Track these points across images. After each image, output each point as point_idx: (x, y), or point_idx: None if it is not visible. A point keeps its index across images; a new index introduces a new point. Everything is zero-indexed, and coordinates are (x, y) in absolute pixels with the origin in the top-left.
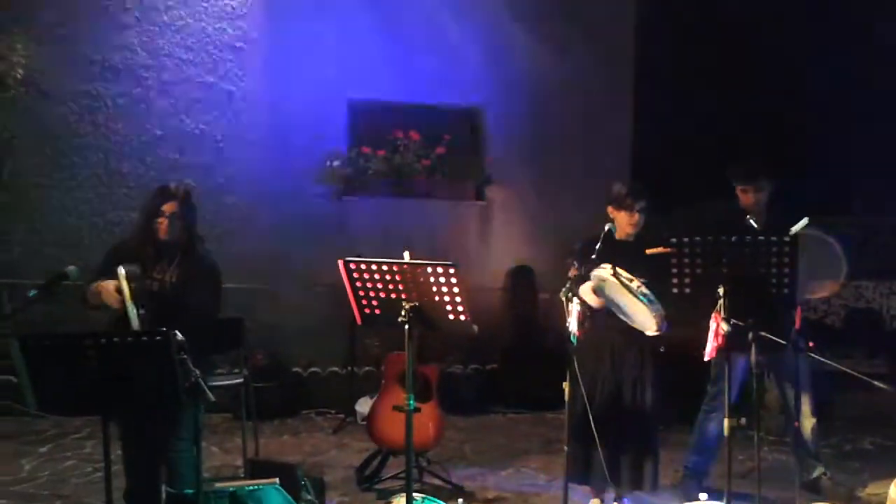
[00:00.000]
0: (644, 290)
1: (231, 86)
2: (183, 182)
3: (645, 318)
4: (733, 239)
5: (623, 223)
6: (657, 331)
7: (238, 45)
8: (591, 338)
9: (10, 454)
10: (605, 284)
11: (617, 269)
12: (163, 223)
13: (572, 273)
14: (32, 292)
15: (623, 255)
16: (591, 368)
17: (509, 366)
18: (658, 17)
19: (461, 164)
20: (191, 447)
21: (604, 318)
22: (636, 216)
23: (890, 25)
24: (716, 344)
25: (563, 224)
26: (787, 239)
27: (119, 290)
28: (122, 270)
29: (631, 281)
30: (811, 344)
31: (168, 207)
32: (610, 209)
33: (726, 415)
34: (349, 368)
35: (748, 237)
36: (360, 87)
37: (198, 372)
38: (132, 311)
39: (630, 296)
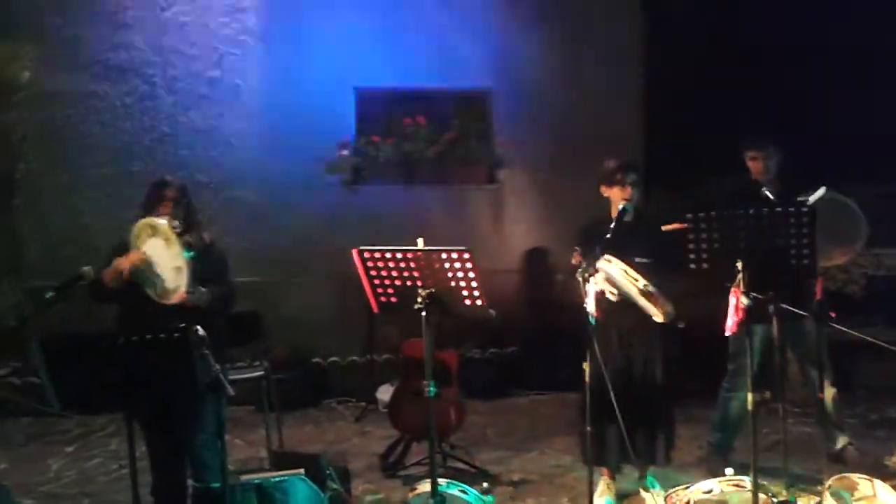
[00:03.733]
0: (649, 287)
1: (237, 79)
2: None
3: (651, 310)
4: (750, 211)
5: (616, 199)
6: (665, 321)
7: (242, 38)
8: (600, 320)
9: (37, 454)
10: (613, 279)
11: (623, 264)
12: (167, 207)
13: (575, 260)
14: (49, 294)
15: (626, 234)
16: (602, 350)
17: (528, 348)
18: None
19: (471, 149)
20: (215, 441)
21: (611, 301)
22: (628, 189)
23: None
24: (736, 318)
25: (575, 204)
26: (804, 209)
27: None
28: (162, 221)
29: (636, 280)
30: (832, 314)
31: (170, 193)
32: (602, 187)
33: (749, 389)
34: (368, 357)
35: (765, 209)
36: (366, 74)
37: (218, 367)
38: (183, 255)
39: (636, 291)
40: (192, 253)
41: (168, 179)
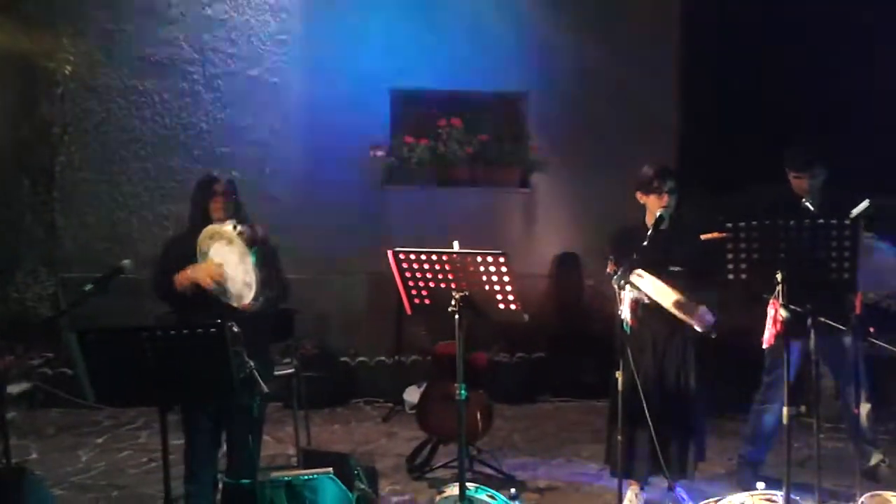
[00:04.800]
0: (682, 301)
1: (275, 78)
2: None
3: (688, 320)
4: (791, 223)
5: (653, 207)
6: (702, 329)
7: (281, 37)
8: (634, 328)
9: (67, 445)
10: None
11: (654, 278)
12: (218, 202)
13: (610, 269)
14: (89, 287)
15: (662, 242)
16: (635, 358)
17: (556, 353)
18: None
19: (505, 151)
20: (247, 437)
21: (646, 309)
22: (665, 197)
23: None
24: (774, 331)
25: (607, 210)
26: (847, 222)
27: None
28: (230, 229)
29: (669, 295)
30: (871, 329)
31: (219, 188)
32: (638, 194)
33: (785, 403)
34: (396, 357)
35: (807, 220)
36: (402, 75)
37: (252, 364)
38: (254, 268)
39: (670, 305)
40: (256, 258)
41: (216, 175)
